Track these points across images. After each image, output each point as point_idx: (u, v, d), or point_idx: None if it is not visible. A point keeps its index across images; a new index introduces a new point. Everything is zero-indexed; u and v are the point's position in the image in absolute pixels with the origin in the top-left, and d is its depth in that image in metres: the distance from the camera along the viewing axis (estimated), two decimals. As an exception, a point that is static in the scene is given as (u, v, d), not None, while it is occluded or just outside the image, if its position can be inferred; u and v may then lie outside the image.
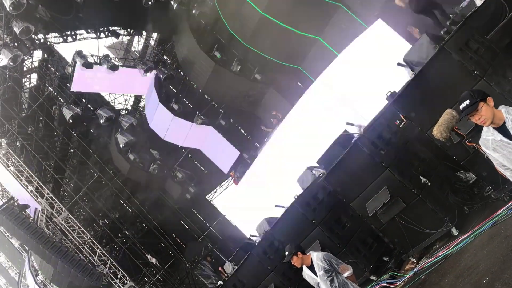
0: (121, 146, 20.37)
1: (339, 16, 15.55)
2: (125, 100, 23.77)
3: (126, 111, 23.18)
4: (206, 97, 21.88)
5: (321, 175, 9.93)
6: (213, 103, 21.96)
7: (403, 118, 8.68)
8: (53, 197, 19.28)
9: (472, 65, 6.82)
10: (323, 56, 16.12)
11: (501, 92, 6.64)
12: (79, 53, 17.64)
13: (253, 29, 17.22)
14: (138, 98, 23.86)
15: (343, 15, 15.40)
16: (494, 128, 4.09)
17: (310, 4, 15.67)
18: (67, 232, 19.15)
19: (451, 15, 11.17)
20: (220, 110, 21.45)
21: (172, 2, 18.66)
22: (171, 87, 21.67)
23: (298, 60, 17.57)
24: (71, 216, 19.63)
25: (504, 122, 4.02)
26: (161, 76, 19.79)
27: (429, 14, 10.32)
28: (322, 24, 16.22)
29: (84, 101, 20.91)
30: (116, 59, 20.48)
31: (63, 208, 19.42)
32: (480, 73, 6.75)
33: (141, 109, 23.66)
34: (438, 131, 5.28)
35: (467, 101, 4.01)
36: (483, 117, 3.97)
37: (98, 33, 19.08)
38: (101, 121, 19.55)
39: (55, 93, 20.77)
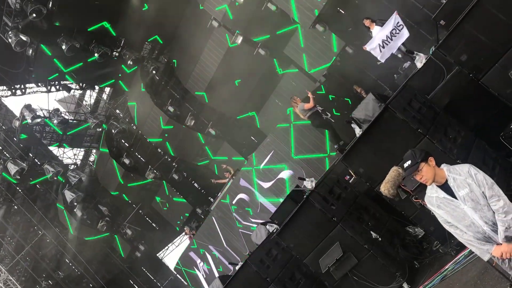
0: (68, 202, 19.60)
1: (290, 72, 16.15)
2: (75, 155, 23.16)
3: (75, 166, 22.51)
4: (159, 151, 21.65)
5: (274, 230, 9.88)
6: (166, 157, 21.72)
7: (352, 174, 8.90)
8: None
9: (416, 124, 7.12)
10: (276, 111, 16.54)
11: (443, 149, 6.94)
12: (27, 107, 17.25)
13: (207, 85, 17.51)
14: (88, 152, 23.31)
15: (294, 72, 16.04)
16: (437, 186, 4.23)
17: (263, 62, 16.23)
18: (6, 296, 17.88)
19: (395, 75, 11.85)
20: (174, 164, 21.21)
21: (126, 57, 18.74)
22: (123, 141, 21.35)
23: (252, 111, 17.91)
24: (11, 278, 18.39)
25: (447, 180, 4.17)
26: (112, 130, 19.55)
27: None
28: (273, 82, 16.74)
29: (31, 155, 20.20)
30: (67, 113, 20.11)
31: (2, 269, 18.20)
32: (423, 132, 7.06)
33: (91, 164, 23.05)
34: (385, 188, 5.39)
35: (409, 161, 4.17)
36: (424, 177, 4.12)
37: (49, 87, 18.79)
38: (48, 176, 18.85)
39: (1, 147, 19.97)
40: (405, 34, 10.15)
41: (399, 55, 11.09)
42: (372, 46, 10.65)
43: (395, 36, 10.22)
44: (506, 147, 7.05)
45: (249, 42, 16.15)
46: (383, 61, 10.82)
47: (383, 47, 10.46)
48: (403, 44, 10.51)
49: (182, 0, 17.09)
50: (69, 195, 19.30)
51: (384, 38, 10.37)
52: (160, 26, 17.46)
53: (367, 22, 11.29)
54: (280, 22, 15.05)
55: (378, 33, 10.56)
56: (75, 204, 19.71)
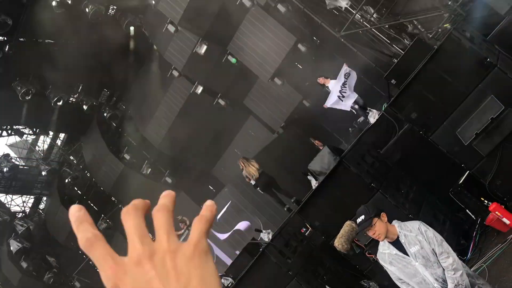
0: (13, 252, 18.53)
1: (250, 122, 16.31)
2: (23, 202, 22.13)
3: (23, 214, 21.47)
4: (113, 199, 21.04)
5: (229, 285, 9.63)
6: (120, 206, 21.08)
7: (308, 227, 8.89)
8: None
9: (369, 178, 7.28)
10: (234, 161, 16.52)
11: (396, 204, 7.09)
12: (-25, 151, 16.53)
13: (166, 132, 17.41)
14: (38, 200, 22.35)
15: (253, 122, 16.21)
16: (389, 242, 4.27)
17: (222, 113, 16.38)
18: None
19: (350, 129, 12.18)
20: (128, 213, 20.55)
21: (83, 104, 18.47)
22: (76, 189, 20.65)
23: (209, 164, 17.80)
24: None
25: (398, 237, 4.22)
26: (65, 177, 18.94)
27: None
28: (234, 130, 16.85)
29: (-25, 203, 19.21)
30: (18, 159, 19.40)
31: None
32: (376, 186, 7.21)
33: (40, 212, 22.06)
34: (339, 242, 5.39)
35: (362, 216, 4.22)
36: (377, 232, 4.16)
37: (0, 131, 18.17)
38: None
39: None
40: (354, 75, 10.61)
41: (354, 111, 11.47)
42: (331, 101, 10.98)
43: (347, 83, 10.68)
44: (455, 203, 7.29)
45: (209, 92, 16.31)
46: (348, 110, 11.14)
47: (343, 96, 10.83)
48: (359, 98, 10.91)
49: (143, 47, 17.23)
50: (15, 245, 18.27)
51: (340, 89, 10.76)
52: (120, 73, 17.43)
53: (321, 80, 11.69)
54: (240, 74, 15.35)
55: (334, 86, 10.93)
56: (21, 254, 18.66)
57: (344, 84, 10.75)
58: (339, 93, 10.87)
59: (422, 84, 6.83)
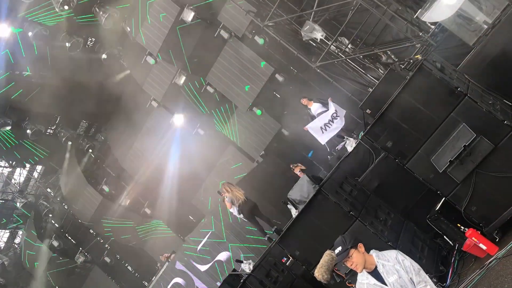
0: (-14, 289, 17.94)
1: (230, 151, 16.35)
2: (-1, 236, 21.52)
3: (-2, 249, 20.85)
4: (91, 232, 20.62)
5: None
6: (98, 238, 20.66)
7: (289, 256, 8.85)
8: None
9: (348, 206, 7.34)
10: (214, 190, 16.45)
11: (375, 231, 7.15)
12: None
13: (145, 164, 17.32)
14: (13, 234, 21.75)
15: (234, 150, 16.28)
16: (368, 272, 4.29)
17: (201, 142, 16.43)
18: None
19: (328, 156, 12.30)
20: (106, 245, 20.17)
21: (61, 135, 18.27)
22: (53, 222, 20.19)
23: (189, 193, 17.69)
24: None
25: (376, 267, 4.25)
26: (42, 209, 18.57)
27: None
28: (212, 160, 16.83)
29: None
30: (-8, 192, 18.98)
31: None
32: (355, 214, 7.26)
33: (16, 246, 21.44)
34: (319, 273, 5.38)
35: (340, 248, 4.25)
36: (355, 263, 4.19)
37: (-25, 164, 17.82)
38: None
39: None
40: (340, 123, 10.73)
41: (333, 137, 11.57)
42: (314, 126, 10.98)
43: (335, 120, 10.76)
44: (433, 229, 7.38)
45: (189, 122, 16.37)
46: (323, 143, 11.24)
47: (326, 129, 10.92)
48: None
49: (123, 78, 17.26)
50: (-13, 282, 17.71)
51: (326, 122, 10.84)
52: (98, 104, 17.37)
53: (304, 101, 11.75)
54: (218, 103, 15.48)
55: (322, 116, 10.93)
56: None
57: (332, 118, 10.80)
58: (324, 125, 10.90)
59: (396, 113, 7.00)
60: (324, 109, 11.16)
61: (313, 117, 11.43)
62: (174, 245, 16.29)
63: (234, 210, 10.32)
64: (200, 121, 16.31)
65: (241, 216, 10.41)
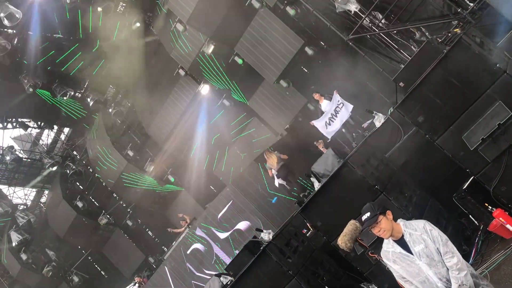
0: (13, 244, 18.54)
1: (254, 123, 16.35)
2: (25, 195, 22.16)
3: (25, 206, 21.49)
4: (115, 195, 21.04)
5: (229, 282, 9.60)
6: (121, 202, 21.09)
7: (310, 227, 8.88)
8: None
9: (373, 180, 7.27)
10: (236, 161, 16.56)
11: (399, 207, 7.08)
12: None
13: (170, 130, 17.46)
14: (40, 193, 22.36)
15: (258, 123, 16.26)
16: (394, 240, 4.26)
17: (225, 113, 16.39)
18: None
19: (354, 134, 12.19)
20: (128, 210, 20.59)
21: (88, 99, 18.51)
22: (78, 184, 20.67)
23: (211, 165, 17.83)
24: None
25: (403, 235, 4.21)
26: (67, 171, 18.98)
27: None
28: (236, 131, 16.86)
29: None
30: (21, 151, 19.44)
31: None
32: (380, 188, 7.20)
33: (42, 205, 22.07)
34: (342, 241, 5.37)
35: (368, 213, 4.21)
36: (382, 229, 4.15)
37: (5, 123, 18.22)
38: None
39: None
40: (348, 109, 10.75)
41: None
42: (319, 123, 11.34)
43: (338, 113, 10.87)
44: (458, 208, 7.27)
45: (215, 92, 16.36)
46: (329, 138, 11.31)
47: (329, 124, 11.05)
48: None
49: (150, 47, 17.29)
50: (15, 237, 18.28)
51: (330, 116, 11.01)
52: (126, 71, 17.47)
53: (316, 96, 12.10)
54: (246, 74, 15.36)
55: (327, 111, 11.23)
56: (21, 246, 18.69)
57: (335, 113, 10.96)
58: (328, 119, 11.11)
59: (430, 87, 6.82)
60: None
61: (322, 113, 11.63)
62: (195, 213, 16.52)
63: (274, 172, 12.21)
64: (226, 92, 16.27)
65: (279, 180, 12.30)
